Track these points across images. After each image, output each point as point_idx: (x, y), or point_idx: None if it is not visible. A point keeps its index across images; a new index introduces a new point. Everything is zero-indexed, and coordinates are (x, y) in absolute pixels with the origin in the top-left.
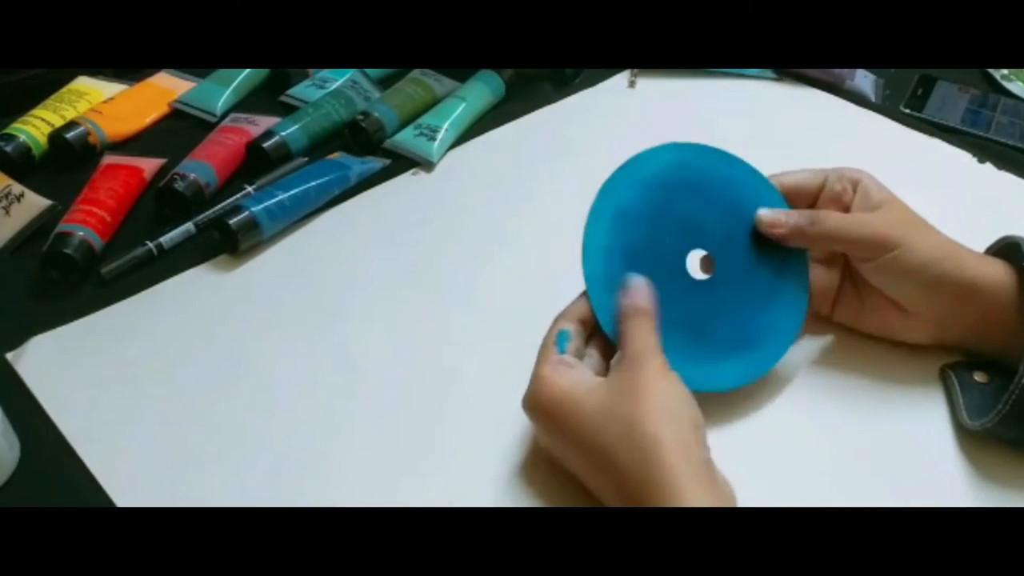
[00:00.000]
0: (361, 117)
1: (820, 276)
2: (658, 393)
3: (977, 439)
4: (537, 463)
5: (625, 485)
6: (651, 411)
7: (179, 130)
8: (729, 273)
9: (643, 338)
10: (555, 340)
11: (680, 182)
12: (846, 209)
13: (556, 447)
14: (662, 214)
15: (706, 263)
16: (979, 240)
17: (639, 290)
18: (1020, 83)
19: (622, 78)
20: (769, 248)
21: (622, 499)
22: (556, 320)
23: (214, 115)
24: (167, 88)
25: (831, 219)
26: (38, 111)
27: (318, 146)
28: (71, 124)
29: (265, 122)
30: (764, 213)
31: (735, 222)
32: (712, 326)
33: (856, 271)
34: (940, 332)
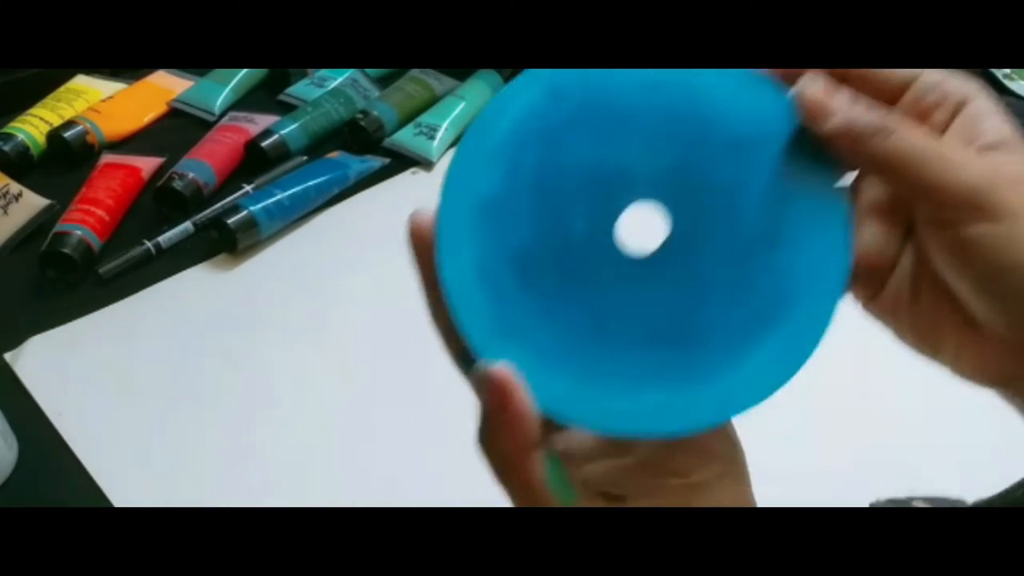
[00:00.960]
0: (360, 116)
1: (867, 240)
2: None
3: None
4: None
5: None
6: None
7: (177, 129)
8: (697, 226)
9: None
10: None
11: (561, 121)
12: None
13: None
14: (551, 178)
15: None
16: None
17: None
18: (1022, 83)
19: None
20: (763, 170)
21: None
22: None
23: (212, 114)
24: (165, 87)
25: (912, 137)
26: (36, 110)
27: (317, 145)
28: (69, 123)
29: (264, 121)
30: (810, 87)
31: (679, 140)
32: (699, 318)
33: (922, 242)
34: (1015, 370)
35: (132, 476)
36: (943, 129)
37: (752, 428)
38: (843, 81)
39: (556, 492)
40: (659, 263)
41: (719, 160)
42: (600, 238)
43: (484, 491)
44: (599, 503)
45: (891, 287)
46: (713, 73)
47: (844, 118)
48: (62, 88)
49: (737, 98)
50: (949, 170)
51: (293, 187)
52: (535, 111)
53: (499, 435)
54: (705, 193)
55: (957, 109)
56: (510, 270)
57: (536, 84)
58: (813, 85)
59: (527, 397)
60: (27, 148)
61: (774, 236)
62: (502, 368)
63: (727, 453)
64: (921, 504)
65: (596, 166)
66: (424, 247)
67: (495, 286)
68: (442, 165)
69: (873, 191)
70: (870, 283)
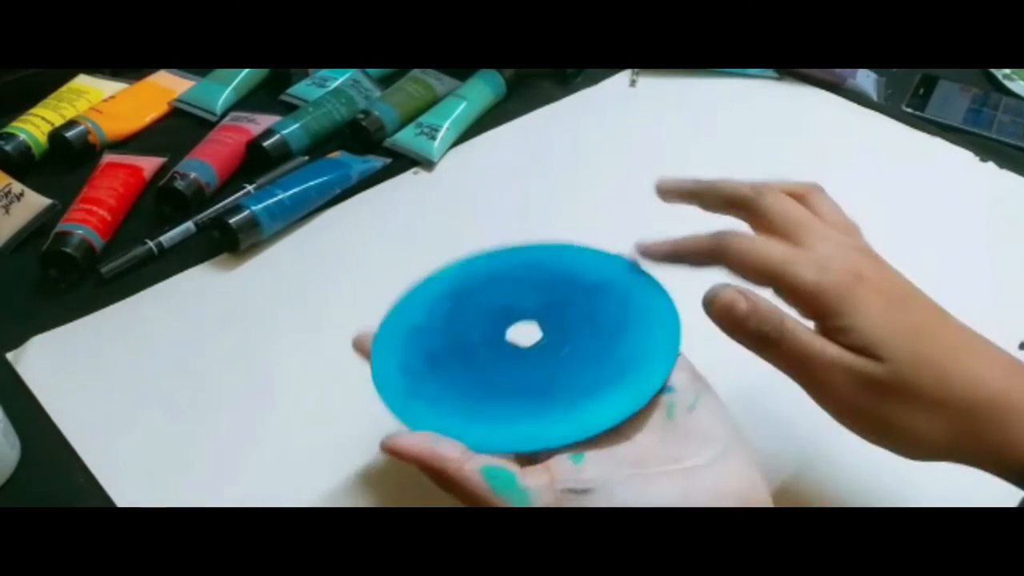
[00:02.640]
0: (362, 116)
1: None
2: None
3: None
4: None
5: None
6: None
7: (179, 129)
8: (562, 332)
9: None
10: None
11: (474, 283)
12: None
13: None
14: (460, 315)
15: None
16: (980, 239)
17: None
18: (1022, 82)
19: (623, 77)
20: (612, 300)
21: None
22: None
23: (214, 114)
24: (167, 87)
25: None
26: (38, 110)
27: (319, 145)
28: (71, 123)
29: (265, 121)
30: (645, 246)
31: (550, 290)
32: (562, 380)
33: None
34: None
35: (135, 476)
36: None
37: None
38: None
39: (506, 498)
40: (535, 352)
41: (580, 297)
42: (492, 339)
43: None
44: (566, 499)
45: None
46: (573, 250)
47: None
48: (64, 88)
49: (589, 263)
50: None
51: (295, 187)
52: (451, 280)
53: (428, 474)
54: (570, 313)
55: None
56: (424, 362)
57: (457, 268)
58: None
59: (425, 439)
60: (29, 148)
61: (620, 331)
62: (398, 437)
63: (724, 436)
64: None
65: (491, 305)
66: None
67: (411, 372)
68: (443, 165)
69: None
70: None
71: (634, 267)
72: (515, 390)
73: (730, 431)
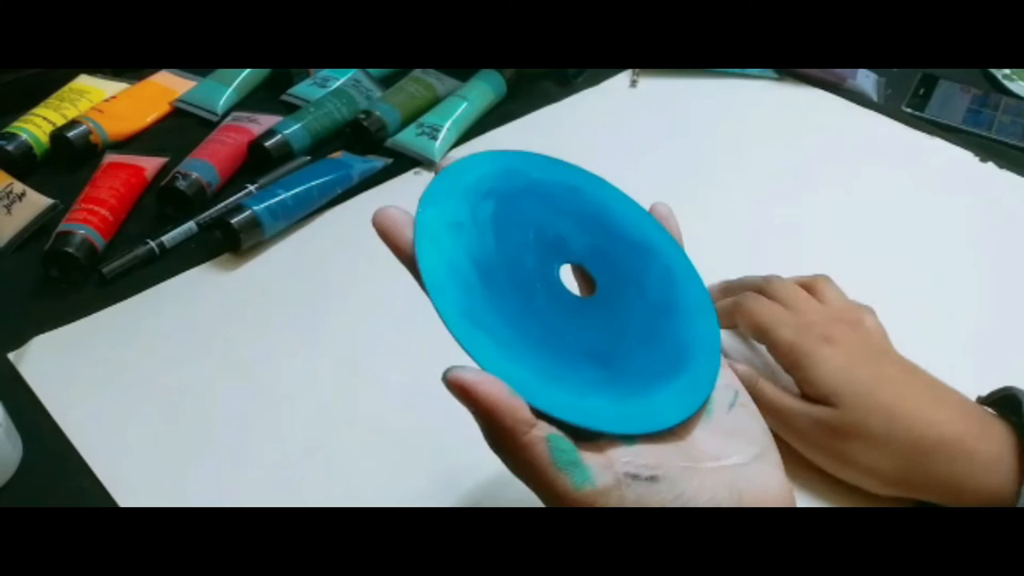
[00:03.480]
0: (363, 116)
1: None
2: None
3: None
4: None
5: None
6: None
7: (180, 129)
8: (615, 289)
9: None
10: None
11: (513, 189)
12: None
13: None
14: (506, 223)
15: (583, 279)
16: (980, 239)
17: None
18: (1022, 83)
19: (624, 77)
20: (656, 268)
21: None
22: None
23: (215, 114)
24: (168, 87)
25: (767, 390)
26: (39, 110)
27: (320, 145)
28: (72, 123)
29: (267, 121)
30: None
31: (596, 232)
32: (622, 351)
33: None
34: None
35: (137, 476)
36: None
37: None
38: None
39: (566, 473)
40: (590, 305)
41: (624, 252)
42: (546, 274)
43: (487, 491)
44: (626, 483)
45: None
46: (610, 189)
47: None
48: (65, 88)
49: (628, 214)
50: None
51: (296, 187)
52: (491, 177)
53: (492, 430)
54: (618, 270)
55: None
56: (475, 272)
57: (491, 160)
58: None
59: (501, 390)
60: (30, 148)
61: (669, 314)
62: (471, 375)
63: (763, 439)
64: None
65: (540, 227)
66: (394, 241)
67: (463, 281)
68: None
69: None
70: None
71: (668, 237)
72: (579, 351)
73: (763, 431)
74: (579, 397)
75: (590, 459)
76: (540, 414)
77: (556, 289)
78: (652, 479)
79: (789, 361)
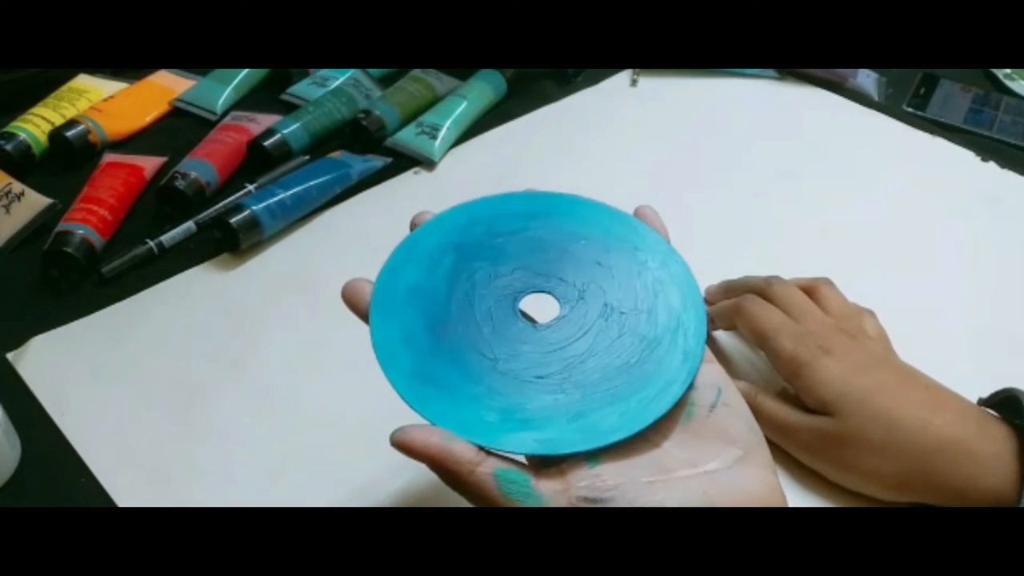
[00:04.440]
0: (362, 115)
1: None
2: None
3: None
4: None
5: None
6: None
7: (179, 128)
8: (578, 309)
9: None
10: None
11: (473, 239)
12: None
13: None
14: (461, 274)
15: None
16: (981, 238)
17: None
18: (1023, 82)
19: (624, 77)
20: (619, 271)
21: None
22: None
23: (214, 113)
24: (167, 86)
25: (764, 404)
26: (38, 109)
27: (319, 144)
28: (71, 122)
29: (266, 120)
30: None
31: (556, 258)
32: (582, 369)
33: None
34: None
35: (136, 476)
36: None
37: None
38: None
39: (519, 502)
40: (551, 330)
41: (592, 263)
42: (501, 314)
43: None
44: (580, 506)
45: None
46: (578, 203)
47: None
48: (64, 87)
49: (598, 219)
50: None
51: (295, 186)
52: (454, 231)
53: (439, 474)
54: (585, 285)
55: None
56: (427, 333)
57: (457, 215)
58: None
59: (437, 438)
60: (29, 147)
61: (641, 313)
62: (409, 431)
63: (747, 439)
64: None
65: (496, 269)
66: (358, 310)
67: (415, 345)
68: (444, 165)
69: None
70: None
71: (646, 230)
72: (535, 380)
73: (749, 430)
74: (536, 427)
75: (544, 486)
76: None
77: (511, 323)
78: (602, 500)
79: (789, 371)
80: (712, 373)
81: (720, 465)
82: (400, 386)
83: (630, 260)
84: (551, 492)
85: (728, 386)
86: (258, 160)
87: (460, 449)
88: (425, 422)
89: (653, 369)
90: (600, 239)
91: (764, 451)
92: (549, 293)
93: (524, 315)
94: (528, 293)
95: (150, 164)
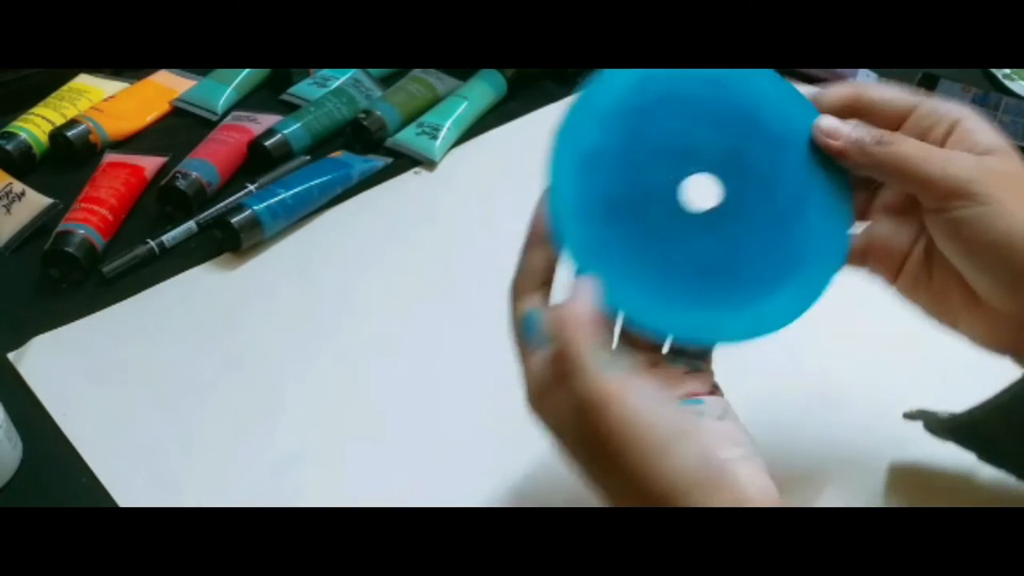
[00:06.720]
0: (363, 115)
1: (886, 231)
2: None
3: None
4: (541, 462)
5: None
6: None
7: (180, 128)
8: (742, 196)
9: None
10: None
11: (648, 101)
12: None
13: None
14: (637, 144)
15: (708, 190)
16: None
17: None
18: (1022, 82)
19: None
20: (793, 162)
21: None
22: (517, 295)
23: (215, 113)
24: (168, 86)
25: (906, 144)
26: (39, 109)
27: (320, 144)
28: (72, 122)
29: (267, 120)
30: (825, 120)
31: (734, 132)
32: (738, 262)
33: (929, 230)
34: (1018, 337)
35: (137, 476)
36: (942, 143)
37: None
38: (854, 112)
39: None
40: (711, 219)
41: (762, 150)
42: (670, 194)
43: (486, 491)
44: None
45: (909, 271)
46: (761, 78)
47: (852, 136)
48: (64, 87)
49: (776, 104)
50: (938, 166)
51: (296, 186)
52: (627, 92)
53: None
54: (750, 173)
55: (952, 127)
56: (601, 209)
57: (629, 74)
58: (826, 120)
59: (593, 297)
60: (30, 147)
61: (797, 213)
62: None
63: (749, 445)
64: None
65: (670, 140)
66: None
67: (589, 218)
68: (445, 165)
69: (887, 195)
70: (889, 267)
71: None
72: (693, 267)
73: (751, 440)
74: (686, 311)
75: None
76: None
77: (674, 207)
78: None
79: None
80: (719, 398)
81: (730, 456)
82: (575, 256)
83: (794, 151)
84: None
85: (731, 409)
86: (259, 160)
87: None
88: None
89: (798, 271)
90: (775, 122)
91: (760, 457)
92: (712, 172)
93: (689, 203)
94: (692, 170)
95: (151, 164)
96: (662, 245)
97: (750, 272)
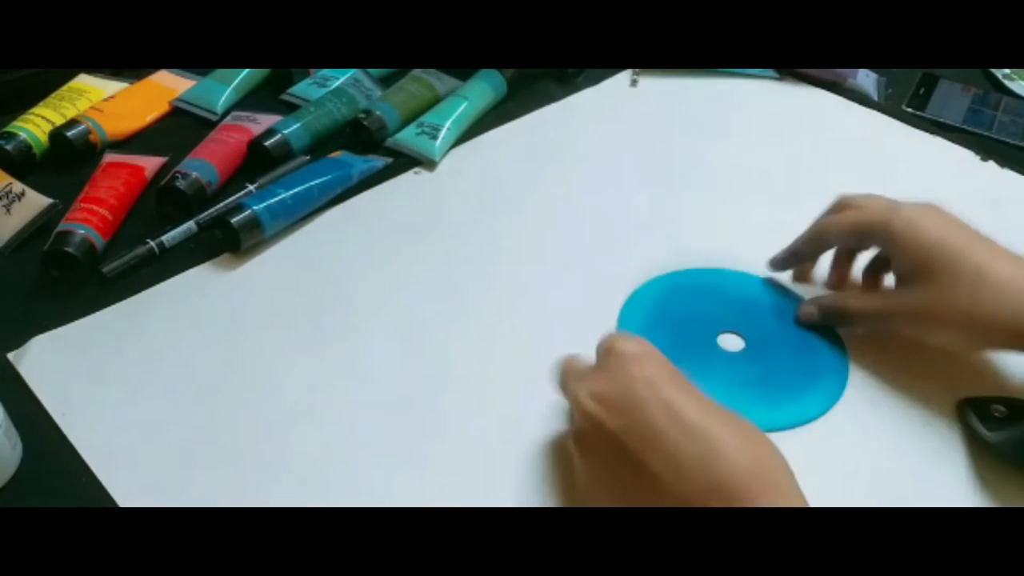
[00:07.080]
0: (363, 115)
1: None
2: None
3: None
4: (541, 462)
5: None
6: None
7: (180, 128)
8: (762, 339)
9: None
10: None
11: (678, 294)
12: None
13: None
14: (676, 318)
15: (734, 339)
16: None
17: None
18: (1022, 82)
19: (624, 77)
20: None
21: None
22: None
23: (215, 113)
24: (168, 86)
25: (852, 299)
26: (39, 109)
27: (320, 144)
28: (72, 122)
29: (267, 120)
30: (801, 311)
31: (741, 308)
32: (769, 377)
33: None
34: (981, 340)
35: (137, 476)
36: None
37: None
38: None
39: None
40: (746, 355)
41: (767, 317)
42: (708, 342)
43: (485, 490)
44: None
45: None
46: (743, 277)
47: (818, 314)
48: (64, 87)
49: (766, 292)
50: (879, 303)
51: (296, 186)
52: (664, 294)
53: None
54: (764, 328)
55: (887, 243)
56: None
57: (666, 280)
58: (802, 308)
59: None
60: (29, 147)
61: (806, 346)
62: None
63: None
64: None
65: (697, 314)
66: None
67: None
68: (445, 165)
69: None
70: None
71: (789, 293)
72: (736, 381)
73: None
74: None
75: None
76: None
77: (714, 350)
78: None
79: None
80: None
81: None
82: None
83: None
84: None
85: None
86: (259, 160)
87: None
88: None
89: (819, 380)
90: (766, 299)
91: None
92: (737, 332)
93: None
94: (724, 331)
95: (151, 164)
96: (709, 373)
97: (778, 383)
